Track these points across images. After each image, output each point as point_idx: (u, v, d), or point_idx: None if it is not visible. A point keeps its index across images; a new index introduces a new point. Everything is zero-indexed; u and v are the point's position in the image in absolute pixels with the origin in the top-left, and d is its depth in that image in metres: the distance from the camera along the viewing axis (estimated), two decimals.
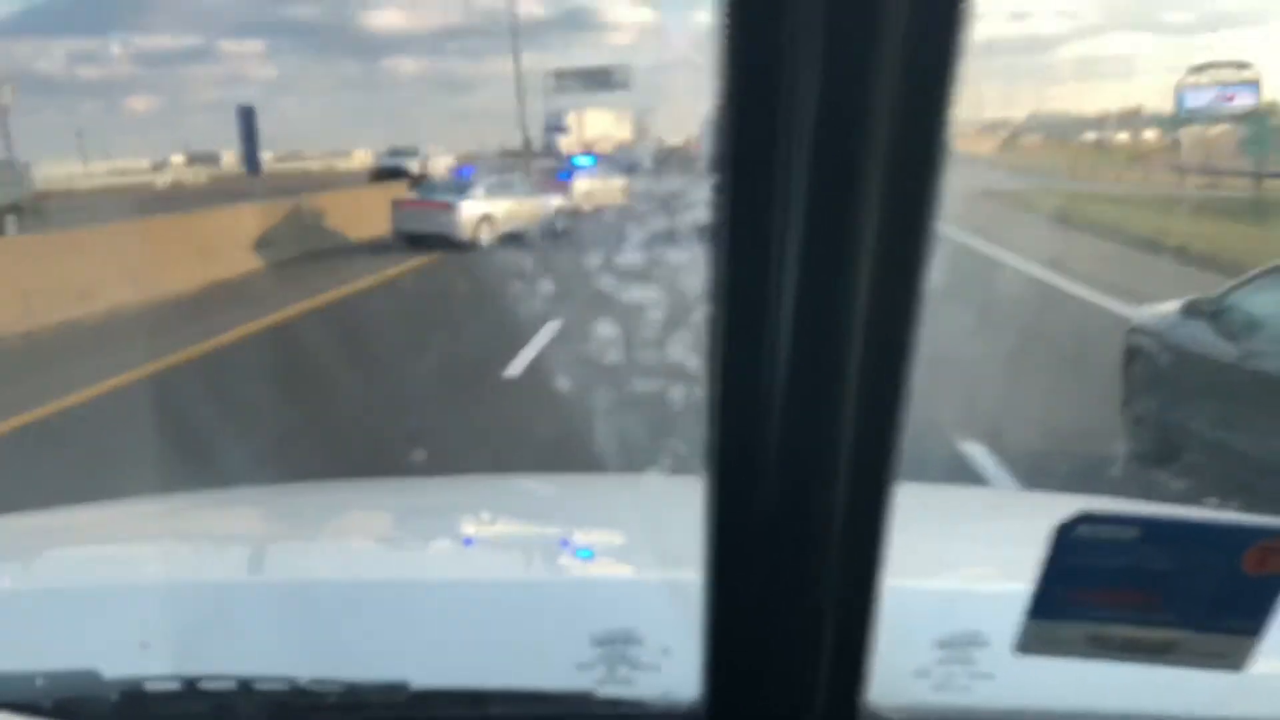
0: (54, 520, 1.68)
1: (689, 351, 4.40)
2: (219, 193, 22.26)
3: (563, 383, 6.11)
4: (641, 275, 7.73)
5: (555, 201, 18.37)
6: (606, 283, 8.01)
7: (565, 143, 37.02)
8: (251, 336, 10.09)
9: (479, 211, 16.64)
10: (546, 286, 11.06)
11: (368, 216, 17.59)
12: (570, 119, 39.99)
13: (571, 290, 10.42)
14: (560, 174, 21.00)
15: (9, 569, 1.42)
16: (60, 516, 1.72)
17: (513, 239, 16.76)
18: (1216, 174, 25.76)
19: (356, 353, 8.90)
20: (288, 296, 12.02)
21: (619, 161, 25.97)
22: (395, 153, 33.51)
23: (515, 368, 7.90)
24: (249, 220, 15.67)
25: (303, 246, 16.02)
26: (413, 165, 30.05)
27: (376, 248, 16.66)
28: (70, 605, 1.20)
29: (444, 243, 16.17)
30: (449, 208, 16.42)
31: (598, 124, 41.55)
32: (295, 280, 13.53)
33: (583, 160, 23.67)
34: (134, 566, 1.44)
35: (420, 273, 14.57)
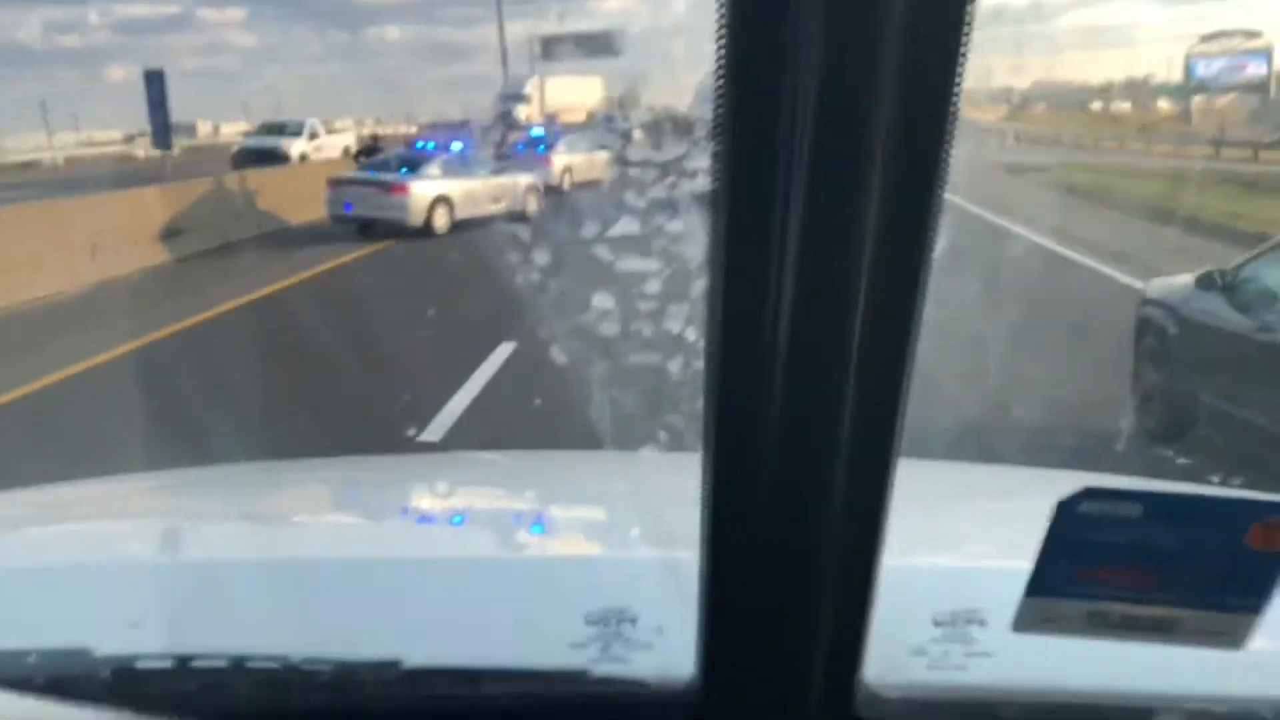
0: (44, 498, 1.67)
1: (681, 402, 3.01)
2: (182, 166, 19.73)
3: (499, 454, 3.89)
4: (624, 278, 5.74)
5: (524, 180, 15.77)
6: (579, 286, 6.32)
7: (525, 113, 33.85)
8: (99, 368, 7.50)
9: (433, 192, 14.28)
10: (504, 289, 9.04)
11: (313, 196, 15.35)
12: (531, 86, 36.84)
13: (534, 296, 8.43)
14: (536, 147, 18.45)
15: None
16: (50, 494, 1.71)
17: (475, 224, 14.44)
18: (1252, 146, 24.23)
19: (223, 396, 6.34)
20: (174, 305, 9.64)
21: (600, 131, 23.97)
22: (270, 128, 26.05)
23: (439, 422, 5.84)
24: (167, 203, 13.60)
25: (224, 235, 13.98)
26: (293, 146, 23.41)
27: (315, 235, 14.52)
28: (61, 583, 1.18)
29: (394, 229, 13.61)
30: (397, 188, 13.85)
31: (566, 91, 38.37)
32: (195, 281, 11.35)
33: (537, 131, 21.33)
34: (125, 544, 1.42)
35: (352, 270, 12.14)
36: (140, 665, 0.87)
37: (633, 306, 4.91)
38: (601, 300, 5.56)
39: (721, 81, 0.60)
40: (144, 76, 15.18)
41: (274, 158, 21.03)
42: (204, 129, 46.19)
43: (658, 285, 4.83)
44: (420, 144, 16.45)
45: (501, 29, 44.01)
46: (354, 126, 32.44)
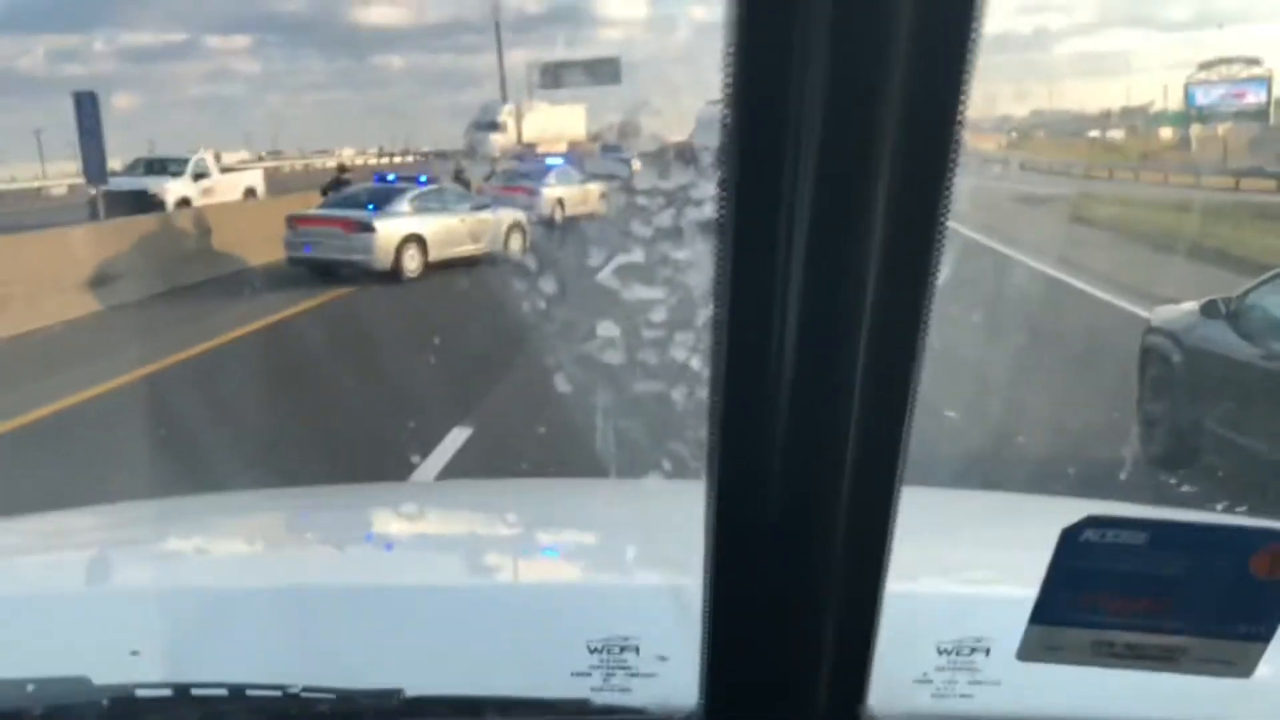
0: (44, 525, 1.66)
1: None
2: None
3: None
4: (615, 339, 4.50)
5: (508, 216, 14.24)
6: (560, 349, 5.41)
7: (500, 142, 32.29)
8: None
9: (403, 231, 12.67)
10: (470, 352, 8.11)
11: (280, 233, 13.58)
12: (505, 113, 35.36)
13: (504, 363, 7.51)
14: (528, 179, 17.04)
15: None
16: (50, 521, 1.70)
17: (451, 266, 12.84)
18: (1274, 177, 23.34)
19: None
20: (74, 373, 7.88)
21: (605, 160, 22.71)
22: (150, 165, 20.79)
23: None
24: (102, 243, 12.05)
25: (169, 279, 12.23)
26: (171, 188, 18.63)
27: (272, 279, 12.89)
28: (61, 611, 1.18)
29: (358, 273, 12.07)
30: (361, 227, 12.26)
31: (547, 120, 36.93)
32: (116, 338, 9.59)
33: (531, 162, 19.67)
34: (124, 572, 1.43)
35: (297, 326, 10.39)
36: (140, 694, 0.86)
37: (592, 399, 4.08)
38: (582, 375, 4.61)
39: (727, 109, 0.60)
40: (73, 100, 13.29)
41: (145, 204, 16.15)
42: (207, 158, 46.59)
43: (658, 355, 3.66)
44: (380, 177, 14.88)
45: (500, 55, 42.70)
46: (265, 159, 29.70)
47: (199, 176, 20.22)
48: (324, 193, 14.89)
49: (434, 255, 13.01)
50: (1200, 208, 17.52)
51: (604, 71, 37.00)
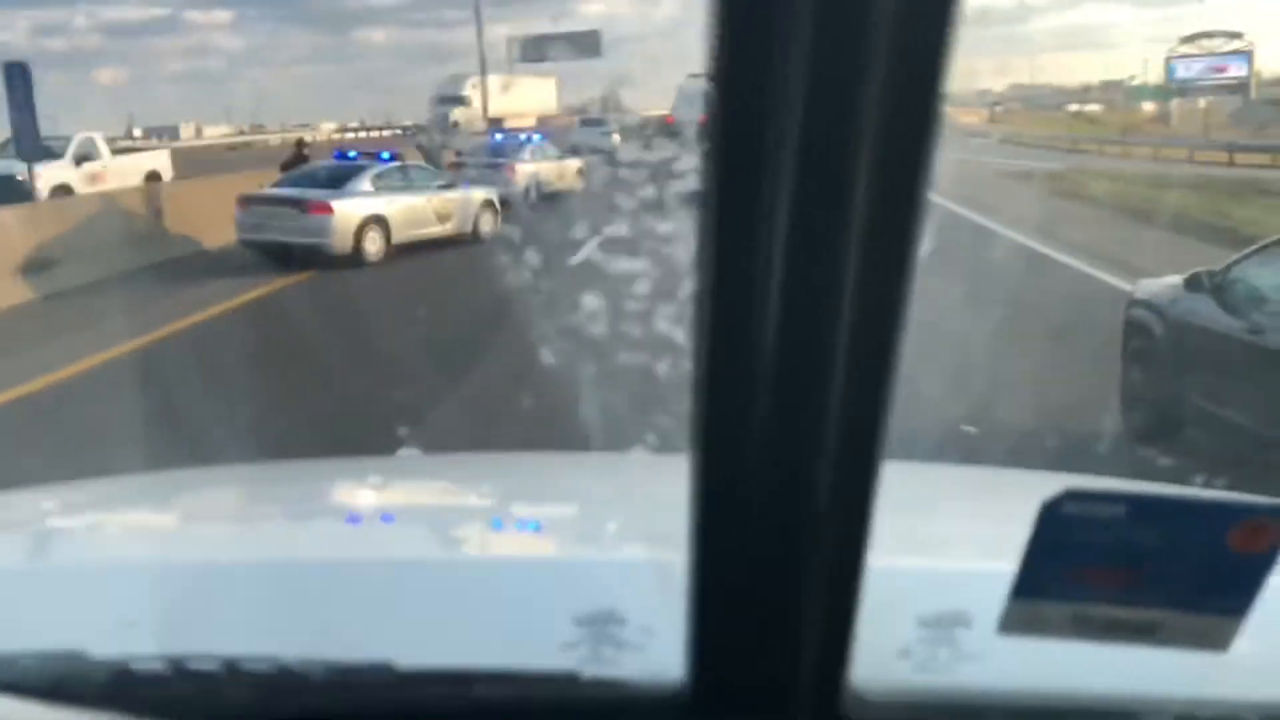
0: (38, 499, 1.67)
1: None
2: None
3: None
4: (592, 337, 4.27)
5: (479, 195, 13.46)
6: (527, 347, 5.28)
7: (464, 117, 31.25)
8: None
9: (364, 212, 11.83)
10: (429, 350, 7.29)
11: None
12: (470, 87, 34.33)
13: (466, 363, 6.79)
14: (502, 155, 16.26)
15: None
16: (44, 495, 1.71)
17: (418, 249, 12.00)
18: (1268, 150, 23.31)
19: None
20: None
21: (587, 134, 21.94)
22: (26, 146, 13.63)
23: None
24: (37, 226, 11.10)
25: (114, 264, 11.29)
26: (45, 173, 14.95)
27: (225, 263, 12.08)
28: (56, 584, 1.19)
29: (315, 257, 11.30)
30: (317, 207, 11.45)
31: (515, 94, 35.96)
32: (42, 330, 8.77)
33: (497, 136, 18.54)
34: (120, 545, 1.43)
35: (247, 316, 9.50)
36: (135, 668, 0.87)
37: (603, 388, 3.84)
38: (550, 384, 4.56)
39: (711, 83, 0.61)
40: (3, 70, 12.11)
41: (11, 191, 13.06)
42: (187, 131, 45.56)
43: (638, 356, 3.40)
44: (341, 153, 13.96)
45: (480, 28, 41.67)
46: (164, 143, 26.86)
47: (82, 160, 17.62)
48: (283, 169, 14.02)
49: (398, 237, 12.16)
50: (1205, 184, 16.82)
51: (584, 44, 36.53)
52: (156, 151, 21.97)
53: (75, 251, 10.99)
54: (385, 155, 13.07)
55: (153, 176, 18.47)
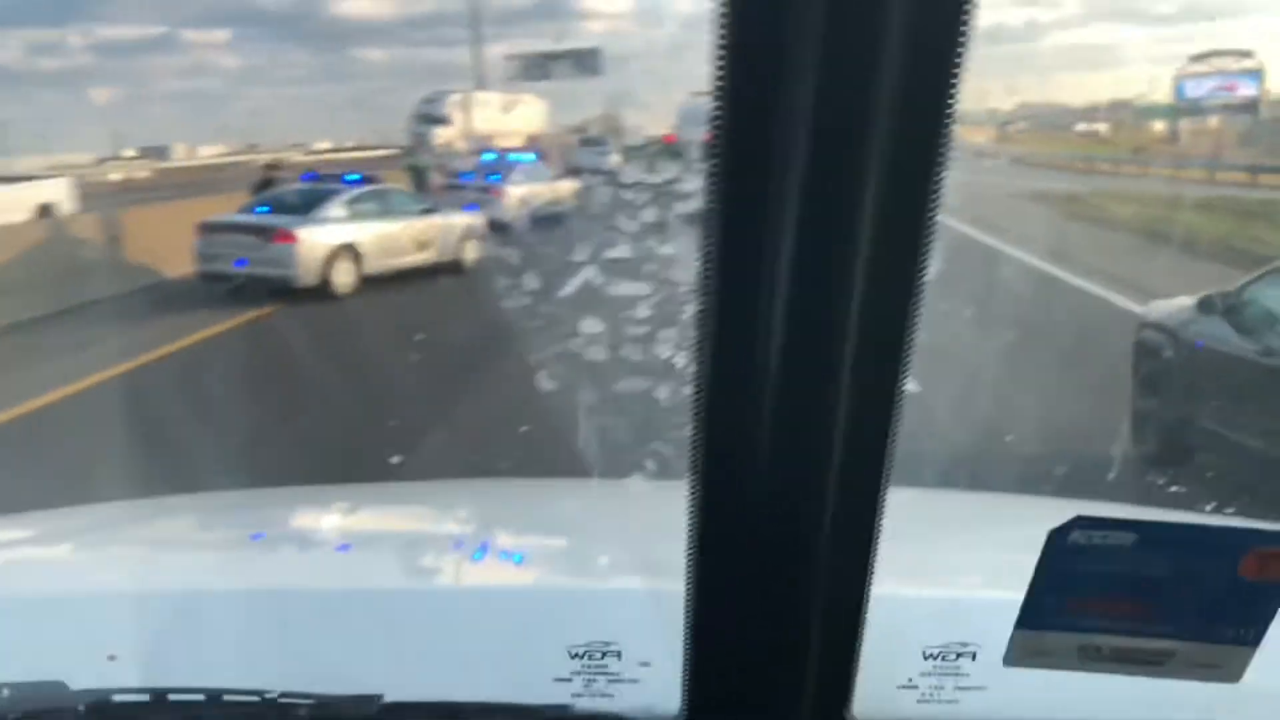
0: (20, 527, 1.64)
1: None
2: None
3: None
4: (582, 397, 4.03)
5: (461, 220, 12.45)
6: (503, 401, 5.06)
7: (445, 137, 30.26)
8: None
9: (333, 240, 10.79)
10: (396, 403, 6.19)
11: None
12: (450, 105, 33.41)
13: (437, 416, 5.85)
14: (491, 178, 15.28)
15: None
16: (27, 523, 1.68)
17: (393, 280, 11.14)
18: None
19: None
20: None
21: (584, 155, 21.48)
22: None
23: None
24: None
25: (62, 296, 10.28)
26: None
27: (182, 296, 11.05)
28: (37, 614, 1.17)
29: (279, 289, 10.29)
30: (281, 236, 10.42)
31: (501, 113, 35.12)
32: None
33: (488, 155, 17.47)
34: (101, 575, 1.41)
35: (196, 357, 8.46)
36: (116, 699, 0.85)
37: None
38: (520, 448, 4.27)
39: (717, 103, 0.60)
40: None
41: None
42: (180, 152, 45.22)
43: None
44: (312, 175, 12.94)
45: (478, 45, 41.18)
46: (150, 162, 25.58)
47: None
48: (253, 192, 13.01)
49: (371, 267, 11.14)
50: (1241, 208, 15.81)
51: (585, 62, 36.01)
52: (53, 182, 18.41)
53: (21, 284, 10.08)
54: (352, 177, 12.03)
55: (43, 211, 15.49)
